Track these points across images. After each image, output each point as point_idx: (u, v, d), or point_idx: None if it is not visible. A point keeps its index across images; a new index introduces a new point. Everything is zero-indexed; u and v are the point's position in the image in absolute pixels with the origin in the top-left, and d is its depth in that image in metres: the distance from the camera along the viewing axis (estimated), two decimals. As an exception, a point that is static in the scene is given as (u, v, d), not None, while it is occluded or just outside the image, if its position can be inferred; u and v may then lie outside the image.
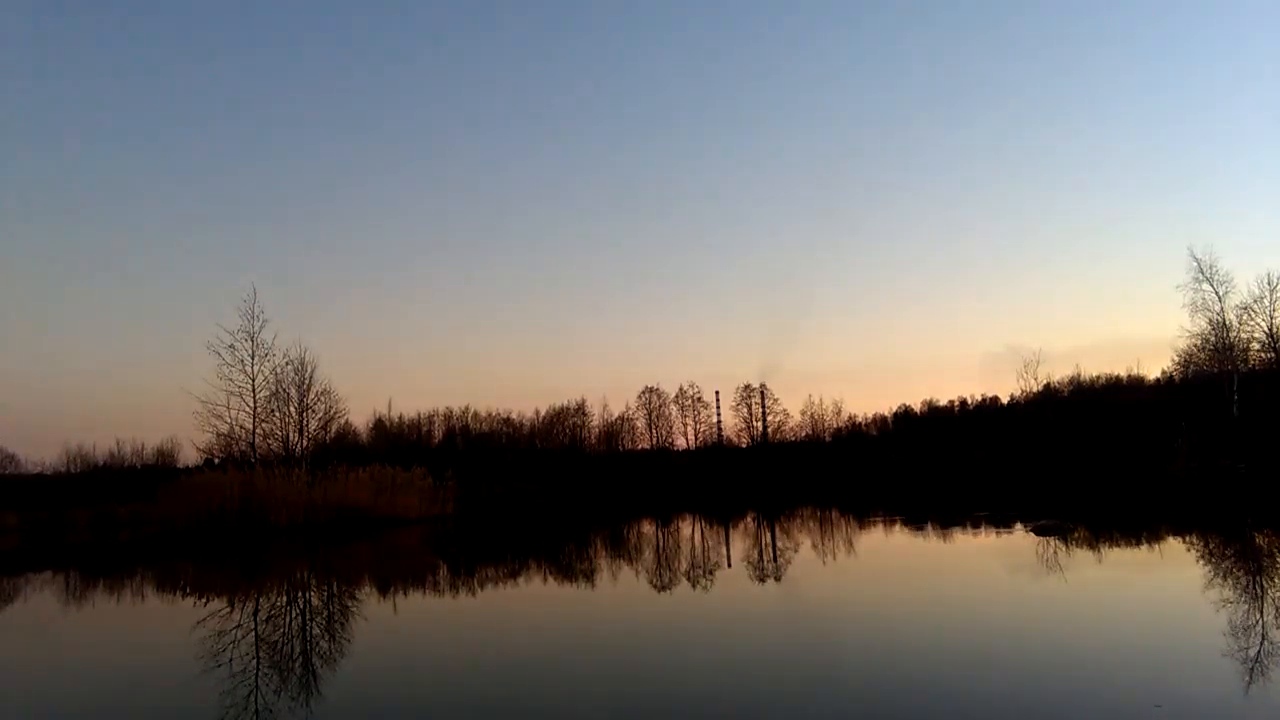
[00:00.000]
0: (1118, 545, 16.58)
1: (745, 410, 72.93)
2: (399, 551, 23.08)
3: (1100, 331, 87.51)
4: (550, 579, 15.68)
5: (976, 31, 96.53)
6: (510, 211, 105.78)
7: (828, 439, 71.16)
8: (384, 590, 15.01)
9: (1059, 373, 61.43)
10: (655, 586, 13.43)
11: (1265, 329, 41.22)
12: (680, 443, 72.34)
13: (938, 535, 20.44)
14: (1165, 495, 28.82)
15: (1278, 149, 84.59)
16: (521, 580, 15.57)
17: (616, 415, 71.90)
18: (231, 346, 32.41)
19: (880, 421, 74.35)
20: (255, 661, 8.90)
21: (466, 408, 69.61)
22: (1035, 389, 54.75)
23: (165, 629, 12.08)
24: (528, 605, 12.50)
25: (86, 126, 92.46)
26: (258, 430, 33.58)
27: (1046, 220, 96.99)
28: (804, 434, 72.24)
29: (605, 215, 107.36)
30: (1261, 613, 8.86)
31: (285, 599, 14.55)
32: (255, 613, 12.94)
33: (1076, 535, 17.31)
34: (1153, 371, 56.52)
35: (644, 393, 72.37)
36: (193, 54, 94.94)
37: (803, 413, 73.24)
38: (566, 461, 64.17)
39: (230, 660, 8.82)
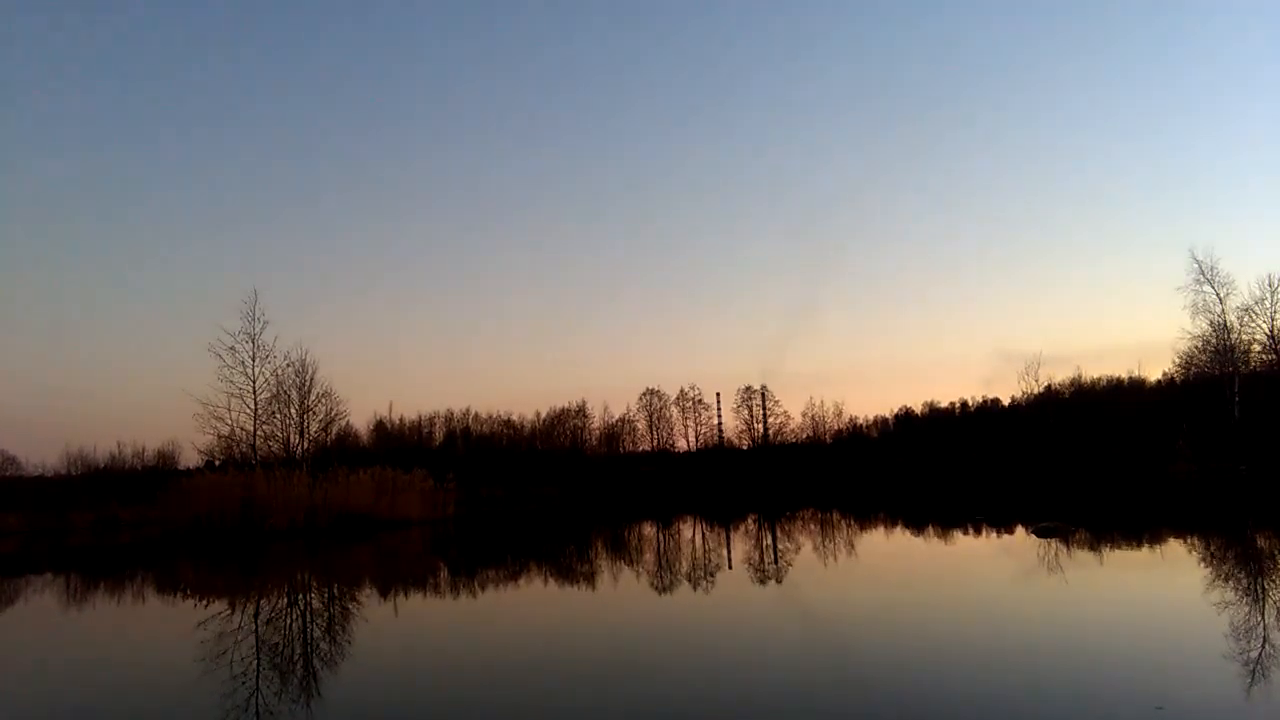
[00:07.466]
0: (1119, 547, 16.57)
1: (746, 412, 73.01)
2: (400, 554, 23.08)
3: (1101, 333, 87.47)
4: (551, 581, 15.67)
5: (977, 31, 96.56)
6: (510, 212, 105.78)
7: (828, 441, 71.22)
8: (385, 592, 15.01)
9: (1060, 375, 61.56)
10: (656, 588, 13.42)
11: (1266, 331, 41.27)
12: (681, 444, 72.45)
13: (939, 537, 20.43)
14: (1166, 497, 28.79)
15: (1278, 149, 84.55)
16: (522, 582, 15.57)
17: (617, 417, 72.02)
18: (232, 348, 32.42)
19: (881, 423, 74.36)
20: (256, 663, 8.90)
21: (467, 410, 69.68)
22: (1036, 391, 54.77)
23: (166, 631, 12.08)
24: (528, 607, 12.50)
25: (86, 127, 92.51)
26: (258, 432, 33.61)
27: (1047, 221, 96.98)
28: (805, 436, 72.34)
29: (605, 215, 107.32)
30: (1263, 615, 8.86)
31: (286, 601, 14.55)
32: (256, 615, 12.94)
33: (1078, 537, 17.28)
34: (1154, 373, 56.50)
35: (645, 394, 72.51)
36: (192, 54, 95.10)
37: (803, 414, 73.35)
38: (567, 463, 64.14)
39: (231, 662, 8.81)
